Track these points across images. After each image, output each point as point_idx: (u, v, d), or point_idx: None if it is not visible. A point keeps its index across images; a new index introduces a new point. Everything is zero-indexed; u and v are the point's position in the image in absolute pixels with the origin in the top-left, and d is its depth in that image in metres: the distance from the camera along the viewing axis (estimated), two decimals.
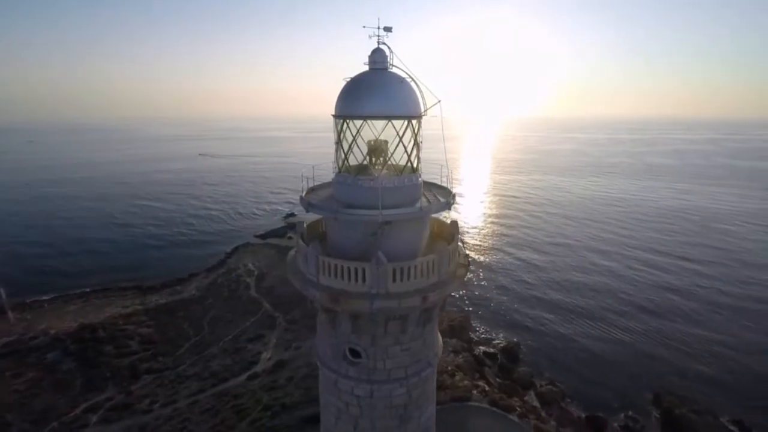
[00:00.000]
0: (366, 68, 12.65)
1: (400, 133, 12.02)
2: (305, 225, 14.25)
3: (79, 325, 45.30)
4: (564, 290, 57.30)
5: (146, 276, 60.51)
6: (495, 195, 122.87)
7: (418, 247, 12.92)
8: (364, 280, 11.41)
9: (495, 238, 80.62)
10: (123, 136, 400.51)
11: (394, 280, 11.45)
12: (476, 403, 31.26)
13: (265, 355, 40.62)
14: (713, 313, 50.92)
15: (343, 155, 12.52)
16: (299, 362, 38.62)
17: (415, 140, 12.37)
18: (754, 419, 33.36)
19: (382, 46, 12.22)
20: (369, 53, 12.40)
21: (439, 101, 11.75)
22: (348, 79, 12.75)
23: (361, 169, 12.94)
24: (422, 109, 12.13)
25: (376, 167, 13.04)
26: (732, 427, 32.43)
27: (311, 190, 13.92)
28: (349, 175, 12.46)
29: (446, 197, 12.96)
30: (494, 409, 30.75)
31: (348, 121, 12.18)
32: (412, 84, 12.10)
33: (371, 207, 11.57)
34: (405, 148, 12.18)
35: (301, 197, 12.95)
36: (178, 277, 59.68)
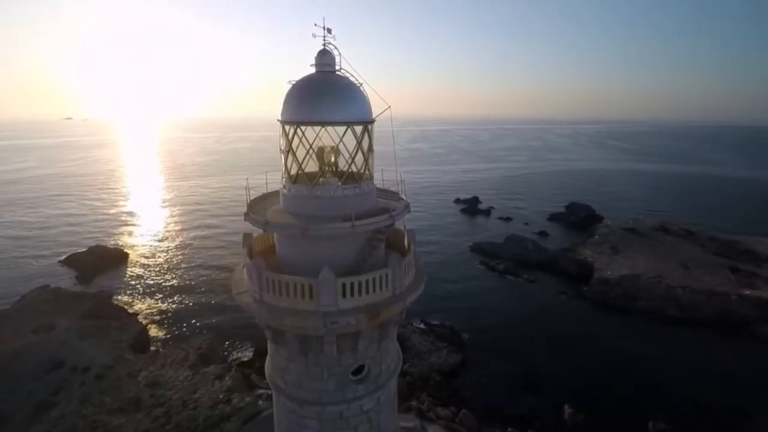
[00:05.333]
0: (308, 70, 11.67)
1: (359, 138, 12.07)
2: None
3: None
4: None
5: None
6: (182, 204, 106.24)
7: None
8: (386, 285, 11.32)
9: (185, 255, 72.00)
10: None
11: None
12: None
13: None
14: None
15: (322, 164, 11.21)
16: None
17: (371, 145, 12.68)
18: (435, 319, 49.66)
19: (329, 47, 11.58)
20: (316, 54, 11.44)
21: (389, 107, 12.57)
22: (294, 82, 11.33)
23: (311, 177, 12.03)
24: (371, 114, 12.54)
25: (327, 175, 12.41)
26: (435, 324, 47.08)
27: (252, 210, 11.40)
28: (333, 185, 11.45)
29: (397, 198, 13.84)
30: None
31: (311, 127, 11.15)
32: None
33: (365, 215, 11.37)
34: (370, 152, 12.33)
35: (290, 224, 10.62)
36: None
